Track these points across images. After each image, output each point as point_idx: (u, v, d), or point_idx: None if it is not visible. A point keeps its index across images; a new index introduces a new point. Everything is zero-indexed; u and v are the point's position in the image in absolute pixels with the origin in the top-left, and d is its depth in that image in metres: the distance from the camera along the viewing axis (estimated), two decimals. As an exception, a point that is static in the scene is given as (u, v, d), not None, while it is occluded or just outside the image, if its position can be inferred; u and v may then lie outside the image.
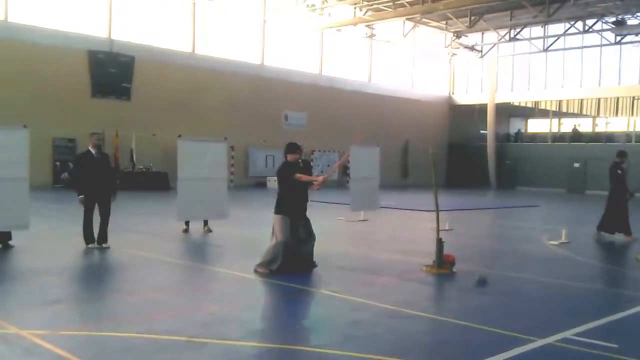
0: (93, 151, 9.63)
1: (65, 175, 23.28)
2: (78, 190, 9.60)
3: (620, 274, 8.83)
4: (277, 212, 7.93)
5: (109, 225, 9.66)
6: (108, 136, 23.53)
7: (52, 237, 10.71)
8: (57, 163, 23.48)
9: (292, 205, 7.89)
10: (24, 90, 22.33)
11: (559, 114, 38.00)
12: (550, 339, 5.21)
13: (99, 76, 24.60)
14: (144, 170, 24.63)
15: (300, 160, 9.16)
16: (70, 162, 23.06)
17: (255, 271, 7.82)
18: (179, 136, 11.91)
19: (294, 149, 8.06)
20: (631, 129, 34.84)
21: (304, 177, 7.87)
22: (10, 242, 9.30)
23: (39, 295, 6.54)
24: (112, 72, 24.88)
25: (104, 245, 9.51)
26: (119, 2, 25.20)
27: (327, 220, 13.95)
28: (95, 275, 8.04)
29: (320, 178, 8.05)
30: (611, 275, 8.70)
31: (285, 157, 8.11)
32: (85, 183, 9.50)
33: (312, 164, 31.27)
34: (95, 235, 9.56)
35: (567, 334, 5.38)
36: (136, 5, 25.77)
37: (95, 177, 9.47)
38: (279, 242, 7.78)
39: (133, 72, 25.49)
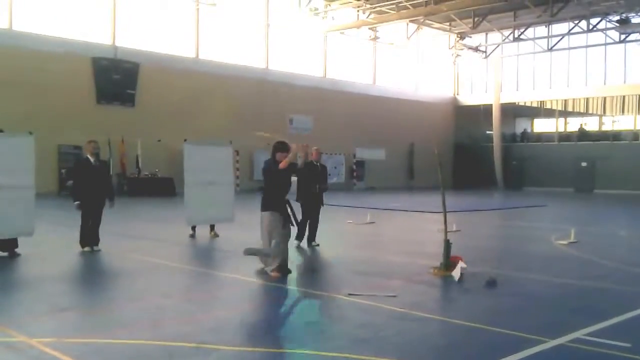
0: (91, 159, 9.78)
1: (71, 182, 23.26)
2: (74, 197, 9.80)
3: (630, 273, 8.74)
4: (266, 209, 7.95)
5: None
6: (114, 143, 23.61)
7: (58, 244, 10.70)
8: (63, 170, 23.49)
9: (280, 201, 8.02)
10: (29, 97, 22.40)
11: (564, 113, 37.87)
12: (562, 340, 5.15)
13: (104, 83, 24.66)
14: (150, 176, 24.67)
15: (318, 165, 10.34)
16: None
17: (261, 273, 7.75)
18: (185, 140, 11.92)
19: (284, 148, 8.08)
20: (638, 127, 34.68)
21: (284, 162, 7.90)
22: (16, 249, 9.30)
23: (46, 302, 6.52)
24: (116, 79, 24.94)
25: (94, 248, 9.67)
26: (122, 9, 25.28)
27: (336, 223, 13.91)
28: (102, 282, 8.02)
29: (293, 146, 8.12)
30: (621, 274, 8.62)
31: (274, 156, 8.10)
32: (82, 190, 9.65)
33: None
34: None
35: (579, 334, 5.32)
36: (140, 12, 25.84)
37: (92, 184, 9.64)
38: (278, 239, 7.82)
39: (137, 78, 25.55)
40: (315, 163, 10.59)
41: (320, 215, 10.75)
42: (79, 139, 23.33)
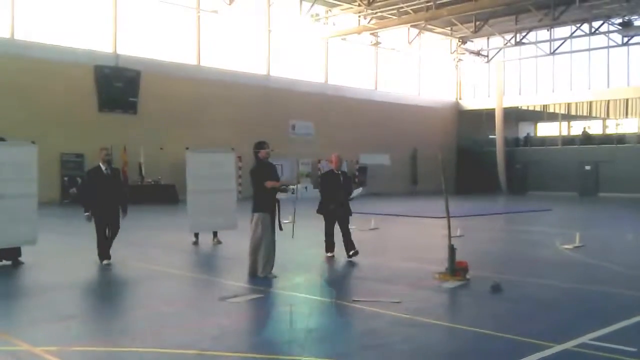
0: (103, 167, 9.42)
1: (73, 190, 23.36)
2: (85, 206, 9.42)
3: (636, 277, 8.69)
4: (258, 210, 8.11)
5: (115, 240, 9.47)
6: (116, 150, 23.62)
7: (61, 253, 10.70)
8: (65, 178, 23.57)
9: (270, 202, 8.13)
10: (32, 106, 22.46)
11: (568, 117, 37.80)
12: (567, 345, 5.11)
13: (106, 91, 24.72)
14: (152, 183, 24.68)
15: (340, 172, 9.81)
16: (79, 177, 23.33)
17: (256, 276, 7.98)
18: (187, 148, 11.92)
19: (263, 146, 8.24)
20: (642, 130, 34.60)
21: (270, 184, 8.12)
22: (20, 258, 9.29)
23: (50, 311, 6.50)
24: (118, 87, 25.00)
25: (104, 262, 9.22)
26: (124, 17, 25.37)
27: (338, 229, 13.84)
28: (105, 290, 8.00)
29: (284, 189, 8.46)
30: (627, 278, 8.57)
31: (256, 156, 8.26)
32: (94, 199, 9.28)
33: (320, 172, 31.28)
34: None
35: (585, 338, 5.28)
36: (141, 20, 25.92)
37: (104, 193, 9.24)
38: (270, 240, 8.07)
39: (139, 86, 25.59)
40: (336, 172, 9.86)
41: (349, 225, 9.98)
42: (82, 147, 23.49)
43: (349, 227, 9.92)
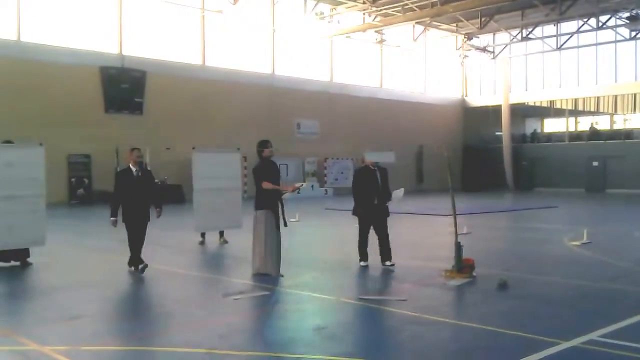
0: (133, 169, 8.93)
1: (81, 191, 23.49)
2: (111, 210, 8.92)
3: (644, 273, 8.65)
4: (260, 207, 8.20)
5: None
6: (122, 151, 23.70)
7: (69, 253, 10.75)
8: (73, 179, 23.68)
9: (273, 200, 8.18)
10: (39, 108, 22.56)
11: (575, 113, 37.58)
12: (575, 341, 5.10)
13: (112, 92, 24.80)
14: (159, 183, 24.72)
15: (376, 168, 9.02)
16: (85, 178, 23.48)
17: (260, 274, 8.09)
18: (194, 148, 11.95)
19: (267, 144, 8.40)
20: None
21: (269, 186, 8.18)
22: (28, 259, 9.35)
23: (59, 311, 6.54)
24: (124, 88, 25.07)
25: (131, 269, 8.88)
26: (129, 18, 25.43)
27: (345, 228, 13.86)
28: (113, 290, 8.02)
29: (289, 189, 8.42)
30: (635, 275, 8.53)
31: (260, 154, 8.41)
32: (124, 203, 8.82)
33: (325, 171, 31.29)
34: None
35: (593, 335, 5.27)
36: (146, 20, 25.97)
37: (134, 197, 8.77)
38: (276, 238, 8.14)
39: (145, 86, 25.66)
40: (371, 167, 8.97)
41: (388, 229, 8.99)
42: (89, 148, 23.61)
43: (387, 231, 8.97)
